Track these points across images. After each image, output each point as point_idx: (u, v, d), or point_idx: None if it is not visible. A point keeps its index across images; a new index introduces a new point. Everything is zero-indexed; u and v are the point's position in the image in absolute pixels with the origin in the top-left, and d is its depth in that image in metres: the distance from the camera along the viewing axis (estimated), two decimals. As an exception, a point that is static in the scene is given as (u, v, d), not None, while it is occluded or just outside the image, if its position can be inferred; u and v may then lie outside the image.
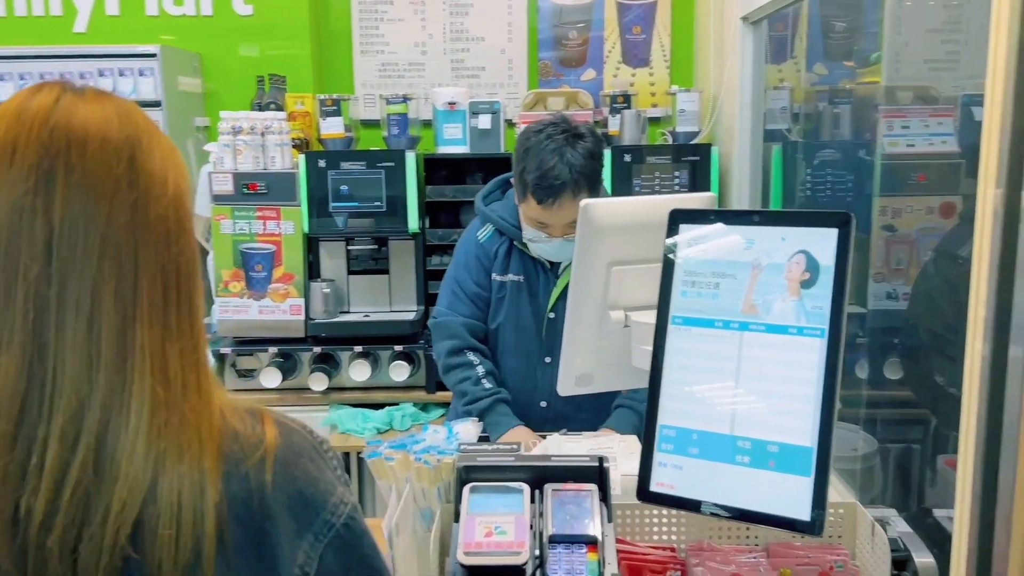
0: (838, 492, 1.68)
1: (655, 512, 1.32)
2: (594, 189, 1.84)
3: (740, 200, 2.70)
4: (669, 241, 1.27)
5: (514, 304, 1.99)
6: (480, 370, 1.98)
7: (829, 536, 1.30)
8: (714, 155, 2.78)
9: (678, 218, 1.28)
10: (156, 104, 3.02)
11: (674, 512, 1.32)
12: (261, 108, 3.09)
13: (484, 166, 3.01)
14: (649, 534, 1.33)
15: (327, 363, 2.88)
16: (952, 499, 2.00)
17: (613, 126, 2.97)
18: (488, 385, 1.96)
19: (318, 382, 2.82)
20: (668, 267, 1.27)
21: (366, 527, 0.82)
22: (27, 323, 0.68)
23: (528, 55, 3.45)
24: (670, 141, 3.00)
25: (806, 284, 1.17)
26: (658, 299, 1.27)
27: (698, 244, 1.26)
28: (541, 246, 1.91)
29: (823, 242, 1.17)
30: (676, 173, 2.79)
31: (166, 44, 3.12)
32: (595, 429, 1.79)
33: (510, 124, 3.15)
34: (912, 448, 2.53)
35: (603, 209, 1.53)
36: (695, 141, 2.89)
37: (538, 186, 1.79)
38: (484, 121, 2.91)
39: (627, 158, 2.78)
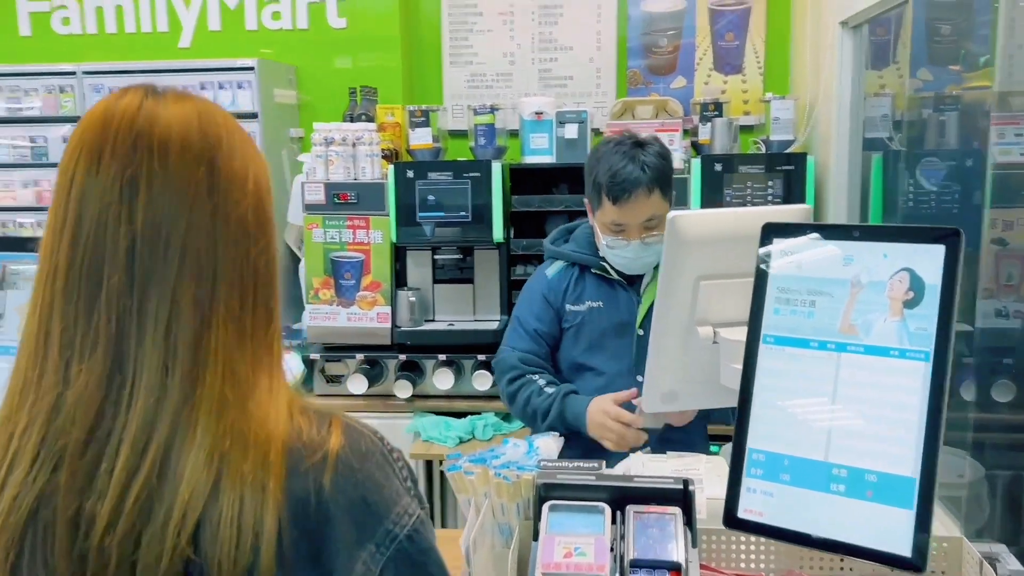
0: (941, 524, 1.58)
1: (743, 539, 1.27)
2: (666, 191, 1.86)
3: (837, 212, 2.60)
4: (762, 255, 1.22)
5: (596, 328, 1.97)
6: (540, 381, 1.95)
7: (932, 572, 1.22)
8: (810, 165, 2.68)
9: (771, 231, 1.22)
10: (253, 116, 3.12)
11: (763, 539, 1.26)
12: (353, 119, 3.14)
13: (570, 176, 2.98)
14: (736, 561, 1.27)
15: (412, 371, 2.91)
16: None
17: (703, 135, 2.90)
18: (551, 390, 1.93)
19: (402, 389, 2.84)
20: (760, 283, 1.22)
21: (433, 544, 0.77)
22: (109, 333, 0.70)
23: (617, 64, 3.41)
24: (763, 150, 2.91)
25: (909, 304, 1.10)
26: (749, 316, 1.22)
27: (792, 259, 1.20)
28: (619, 253, 1.89)
29: (929, 259, 1.10)
30: (769, 183, 2.70)
31: (264, 57, 3.22)
32: (691, 448, 1.72)
33: (597, 133, 3.12)
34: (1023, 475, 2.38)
35: (690, 221, 1.49)
36: (790, 150, 2.79)
37: (612, 183, 1.81)
38: (571, 131, 2.89)
39: (717, 167, 2.70)
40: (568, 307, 1.99)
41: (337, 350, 2.96)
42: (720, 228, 1.50)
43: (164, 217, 0.71)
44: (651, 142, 1.87)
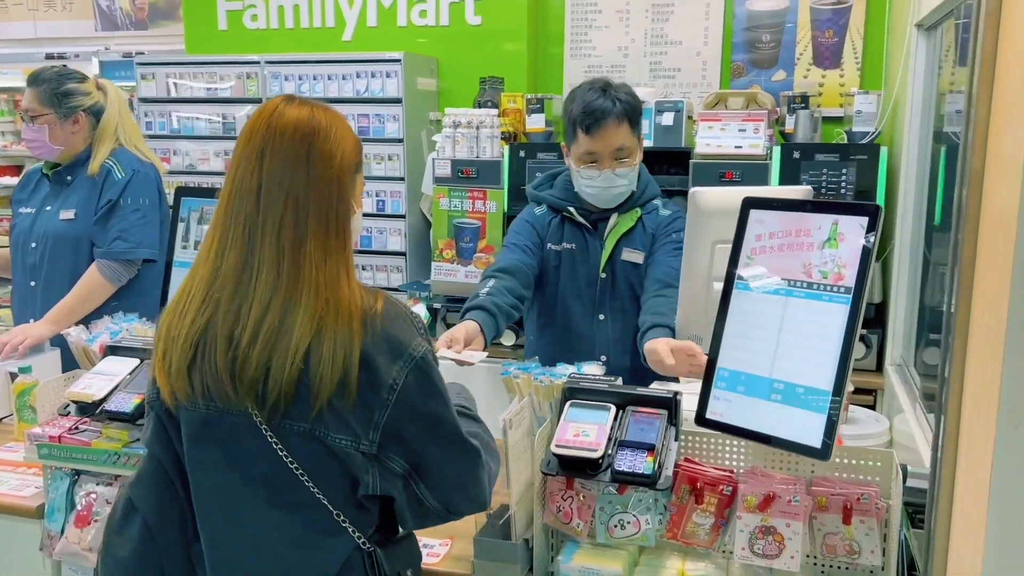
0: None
1: (723, 441, 1.63)
2: (635, 126, 2.09)
3: (905, 199, 2.82)
4: (740, 221, 1.59)
5: (570, 269, 2.23)
6: (484, 288, 2.10)
7: (870, 478, 1.54)
8: (882, 156, 2.91)
9: (749, 204, 1.59)
10: (398, 101, 3.67)
11: (737, 441, 1.62)
12: (480, 106, 3.63)
13: (666, 159, 3.33)
14: (718, 458, 1.64)
15: (518, 324, 3.38)
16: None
17: (789, 125, 3.17)
18: (479, 299, 2.08)
19: (508, 338, 3.33)
20: (737, 243, 1.58)
21: (438, 371, 1.27)
22: (244, 234, 1.20)
23: (722, 57, 3.71)
24: (846, 141, 3.15)
25: (840, 262, 1.45)
26: (727, 269, 1.59)
27: (760, 226, 1.56)
28: (592, 183, 2.11)
29: (858, 228, 1.44)
30: (844, 171, 2.95)
31: (411, 52, 3.75)
32: (650, 380, 1.96)
33: (692, 121, 3.45)
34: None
35: (709, 196, 1.86)
36: (863, 141, 3.03)
37: (584, 114, 2.05)
38: (667, 118, 3.24)
39: (796, 155, 2.99)
40: (550, 246, 2.23)
41: (457, 302, 3.47)
42: (733, 202, 1.85)
43: (278, 172, 1.20)
44: (621, 85, 2.10)
